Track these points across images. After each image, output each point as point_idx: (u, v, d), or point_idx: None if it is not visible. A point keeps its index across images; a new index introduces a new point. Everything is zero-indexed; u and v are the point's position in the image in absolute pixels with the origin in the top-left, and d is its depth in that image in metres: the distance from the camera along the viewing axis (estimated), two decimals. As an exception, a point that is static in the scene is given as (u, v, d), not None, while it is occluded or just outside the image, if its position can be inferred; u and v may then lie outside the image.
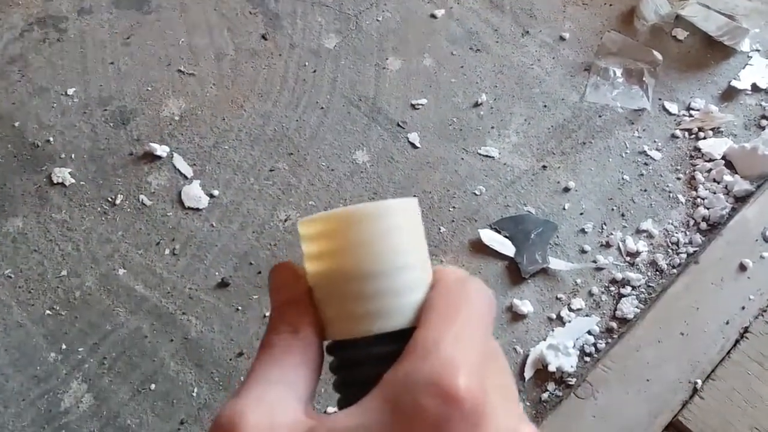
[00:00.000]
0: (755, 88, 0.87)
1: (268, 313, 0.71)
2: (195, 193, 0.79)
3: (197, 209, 0.78)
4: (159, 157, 0.81)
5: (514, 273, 0.74)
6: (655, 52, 0.87)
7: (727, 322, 0.68)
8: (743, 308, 0.69)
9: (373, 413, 0.22)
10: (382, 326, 0.26)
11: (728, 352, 0.66)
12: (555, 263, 0.75)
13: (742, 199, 0.78)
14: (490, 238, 0.76)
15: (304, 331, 0.26)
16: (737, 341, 0.67)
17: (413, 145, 0.83)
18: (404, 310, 0.26)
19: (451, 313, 0.25)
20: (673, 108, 0.85)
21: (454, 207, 0.79)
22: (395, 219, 0.27)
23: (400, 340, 0.25)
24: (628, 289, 0.74)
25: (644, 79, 0.86)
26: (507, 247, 0.76)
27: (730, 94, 0.87)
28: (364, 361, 0.26)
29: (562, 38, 0.92)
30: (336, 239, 0.26)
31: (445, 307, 0.25)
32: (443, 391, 0.22)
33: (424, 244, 0.28)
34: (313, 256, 0.27)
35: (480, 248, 0.76)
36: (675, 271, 0.74)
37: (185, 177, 0.80)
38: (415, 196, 0.80)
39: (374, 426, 0.22)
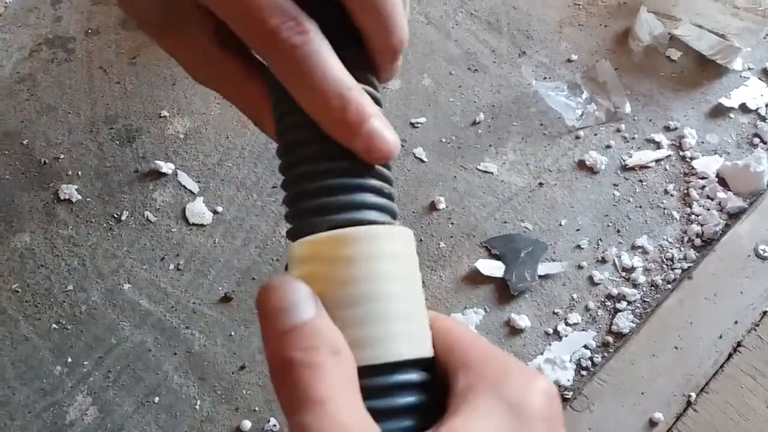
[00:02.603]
0: (744, 108, 0.89)
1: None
2: (199, 210, 0.80)
3: (201, 225, 0.80)
4: (164, 174, 0.83)
5: (506, 289, 0.76)
6: (628, 104, 0.89)
7: (721, 337, 0.69)
8: (736, 323, 0.70)
9: None
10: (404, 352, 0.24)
11: (721, 366, 0.67)
12: (547, 267, 0.77)
13: (735, 216, 0.80)
14: (486, 266, 0.77)
15: (346, 351, 0.23)
16: (730, 355, 0.68)
17: (414, 162, 0.85)
18: (423, 338, 0.25)
19: None
20: (658, 137, 0.87)
21: (453, 223, 0.81)
22: (409, 247, 0.25)
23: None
24: (624, 304, 0.75)
25: (597, 114, 0.88)
26: (499, 269, 0.77)
27: (719, 112, 0.89)
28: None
29: (558, 58, 0.95)
30: (354, 260, 0.24)
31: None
32: None
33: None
34: (318, 277, 0.25)
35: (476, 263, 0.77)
36: (670, 286, 0.76)
37: (191, 193, 0.82)
38: (413, 212, 0.82)
39: None
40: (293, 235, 0.26)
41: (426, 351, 0.25)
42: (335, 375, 0.22)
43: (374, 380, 0.24)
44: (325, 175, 0.25)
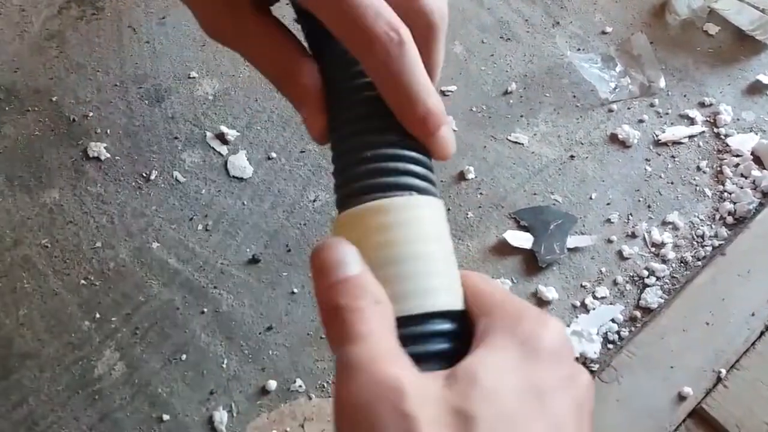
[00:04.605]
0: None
1: (296, 290, 0.73)
2: (240, 163, 0.80)
3: (240, 179, 0.80)
4: (193, 135, 0.83)
5: (534, 261, 0.75)
6: (663, 78, 0.87)
7: (753, 314, 0.69)
8: (769, 301, 0.69)
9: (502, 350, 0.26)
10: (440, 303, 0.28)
11: (753, 343, 0.67)
12: (576, 241, 0.76)
13: (769, 195, 0.78)
14: (515, 238, 0.76)
15: (386, 302, 0.27)
16: (762, 333, 0.68)
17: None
18: (455, 293, 0.28)
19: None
20: (692, 113, 0.85)
21: (481, 193, 0.80)
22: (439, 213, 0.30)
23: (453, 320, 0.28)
24: (653, 279, 0.74)
25: (631, 88, 0.86)
26: (528, 240, 0.77)
27: (756, 89, 0.87)
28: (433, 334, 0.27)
29: (592, 30, 0.93)
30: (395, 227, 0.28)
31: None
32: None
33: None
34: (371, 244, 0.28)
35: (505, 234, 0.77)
36: (700, 263, 0.75)
37: (219, 155, 0.82)
38: (442, 181, 0.81)
39: (507, 361, 0.25)
40: (340, 206, 0.30)
41: (457, 304, 0.28)
42: (376, 318, 0.26)
43: (410, 329, 0.27)
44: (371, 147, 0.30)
